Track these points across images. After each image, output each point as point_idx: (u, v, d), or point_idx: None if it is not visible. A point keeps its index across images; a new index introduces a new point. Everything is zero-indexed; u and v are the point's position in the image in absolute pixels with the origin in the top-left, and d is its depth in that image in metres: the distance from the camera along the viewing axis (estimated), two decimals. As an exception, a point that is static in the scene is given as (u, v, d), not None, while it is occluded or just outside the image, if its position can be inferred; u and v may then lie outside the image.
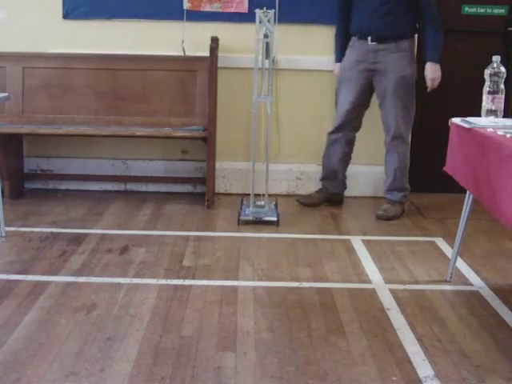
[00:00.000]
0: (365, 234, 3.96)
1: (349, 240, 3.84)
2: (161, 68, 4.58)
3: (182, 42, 4.55)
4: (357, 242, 3.80)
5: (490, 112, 2.98)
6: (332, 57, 4.53)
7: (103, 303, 2.89)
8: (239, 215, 4.08)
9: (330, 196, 4.53)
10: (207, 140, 4.39)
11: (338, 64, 4.36)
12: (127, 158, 4.80)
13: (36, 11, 4.62)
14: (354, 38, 4.25)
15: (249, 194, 4.22)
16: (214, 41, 4.44)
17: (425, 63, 4.16)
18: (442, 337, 2.67)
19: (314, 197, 4.52)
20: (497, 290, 3.15)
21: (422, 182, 4.68)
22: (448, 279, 3.26)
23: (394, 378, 2.35)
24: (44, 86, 4.57)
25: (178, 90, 4.58)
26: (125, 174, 4.81)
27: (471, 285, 3.24)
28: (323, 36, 4.61)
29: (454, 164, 3.08)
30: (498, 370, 2.42)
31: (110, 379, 2.29)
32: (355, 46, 4.24)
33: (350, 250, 3.69)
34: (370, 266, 3.44)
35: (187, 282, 3.15)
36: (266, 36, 3.98)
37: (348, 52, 4.29)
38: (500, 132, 2.66)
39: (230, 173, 4.79)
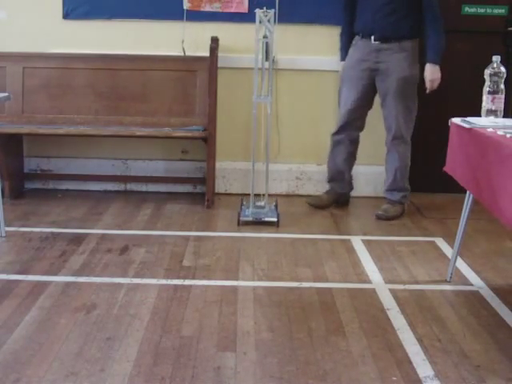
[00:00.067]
0: (365, 234, 3.96)
1: (349, 240, 3.84)
2: (161, 68, 4.58)
3: (182, 42, 4.55)
4: (357, 242, 3.80)
5: (490, 112, 2.98)
6: (332, 57, 4.54)
7: (103, 303, 2.89)
8: (239, 216, 4.07)
9: (338, 197, 4.52)
10: (207, 140, 4.39)
11: (342, 63, 4.36)
12: (127, 158, 4.80)
13: (36, 11, 4.62)
14: (357, 37, 4.25)
15: (249, 194, 4.21)
16: (214, 41, 4.44)
17: (425, 64, 4.16)
18: (442, 337, 2.67)
19: (324, 198, 4.49)
20: (497, 290, 3.15)
21: (422, 182, 4.68)
22: (448, 279, 3.26)
23: (394, 378, 2.35)
24: (44, 86, 4.57)
25: (178, 90, 4.58)
26: (125, 173, 4.81)
27: (471, 285, 3.24)
28: (323, 36, 4.62)
29: (454, 164, 3.08)
30: (498, 369, 2.42)
31: (110, 379, 2.29)
32: (358, 45, 4.24)
33: (350, 250, 3.69)
34: (370, 265, 3.44)
35: (187, 282, 3.15)
36: (265, 36, 3.98)
37: (351, 51, 4.28)
38: (500, 132, 2.66)
39: (229, 173, 4.79)
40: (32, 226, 3.93)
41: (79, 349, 2.48)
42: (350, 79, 4.26)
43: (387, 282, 3.24)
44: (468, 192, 3.06)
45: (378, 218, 4.25)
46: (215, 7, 4.59)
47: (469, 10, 4.71)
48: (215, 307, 2.88)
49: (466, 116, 3.02)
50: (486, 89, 2.98)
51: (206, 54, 4.41)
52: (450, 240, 3.72)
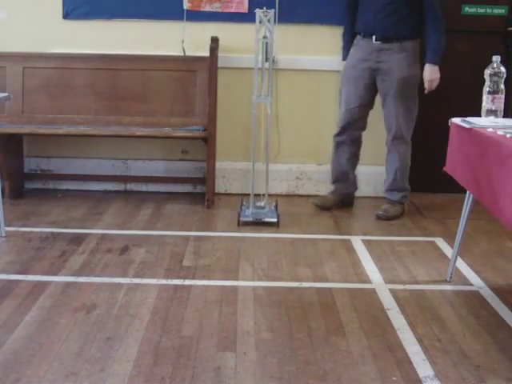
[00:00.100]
0: (365, 234, 3.96)
1: (349, 240, 3.84)
2: (161, 68, 4.58)
3: (182, 42, 4.55)
4: (357, 242, 3.80)
5: (490, 112, 2.98)
6: (332, 57, 4.54)
7: (103, 303, 2.89)
8: (239, 216, 4.07)
9: (343, 197, 4.51)
10: (207, 140, 4.39)
11: (344, 62, 4.35)
12: (127, 158, 4.80)
13: (36, 11, 4.62)
14: (358, 37, 4.24)
15: (249, 194, 4.21)
16: (214, 41, 4.44)
17: (424, 64, 4.16)
18: (442, 337, 2.67)
19: (330, 198, 4.47)
20: (497, 290, 3.15)
21: (422, 182, 4.67)
22: (448, 279, 3.26)
23: (394, 378, 2.35)
24: (44, 86, 4.57)
25: (178, 90, 4.58)
26: (125, 173, 4.81)
27: (471, 285, 3.24)
28: (323, 36, 4.62)
29: (454, 164, 3.08)
30: (498, 369, 2.42)
31: (110, 379, 2.29)
32: (359, 45, 4.23)
33: (350, 250, 3.69)
34: (370, 265, 3.44)
35: (187, 282, 3.15)
36: (265, 37, 3.98)
37: (352, 50, 4.28)
38: (500, 132, 2.66)
39: (229, 173, 4.79)
40: (32, 225, 3.93)
41: (79, 349, 2.48)
42: (350, 79, 4.26)
43: (387, 281, 3.24)
44: (468, 192, 3.06)
45: (378, 218, 4.25)
46: (215, 7, 4.59)
47: (469, 10, 4.71)
48: (215, 307, 2.88)
49: (466, 116, 3.02)
50: (486, 89, 2.98)
51: (206, 54, 4.41)
52: (450, 240, 3.72)
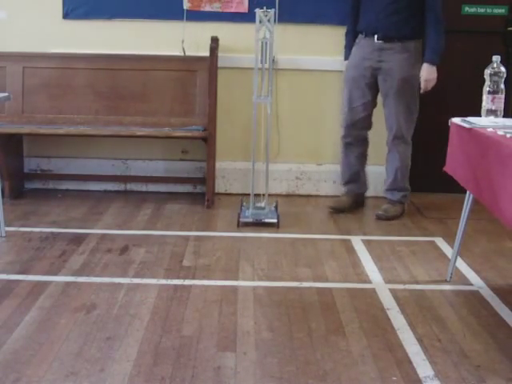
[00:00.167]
0: (365, 234, 3.96)
1: (349, 240, 3.84)
2: (161, 68, 4.58)
3: (182, 42, 4.54)
4: (357, 242, 3.80)
5: (490, 112, 2.98)
6: (332, 57, 4.55)
7: (103, 303, 2.89)
8: (239, 217, 4.06)
9: (357, 197, 4.48)
10: (207, 140, 4.39)
11: (346, 62, 4.35)
12: (127, 158, 4.80)
13: (36, 11, 4.62)
14: (360, 36, 4.24)
15: (249, 194, 4.21)
16: (214, 41, 4.44)
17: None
18: (442, 337, 2.67)
19: (345, 201, 4.43)
20: (497, 290, 3.15)
21: (422, 182, 4.67)
22: (448, 279, 3.26)
23: (394, 378, 2.35)
24: (44, 86, 4.57)
25: (178, 90, 4.58)
26: (125, 173, 4.81)
27: (471, 285, 3.24)
28: (323, 36, 4.61)
29: (454, 164, 3.08)
30: (498, 369, 2.42)
31: (110, 379, 2.29)
32: (361, 44, 4.23)
33: (350, 250, 3.69)
34: (370, 266, 3.44)
35: (187, 282, 3.15)
36: (264, 38, 3.98)
37: (354, 50, 4.27)
38: (500, 132, 2.66)
39: (229, 173, 4.79)
40: (32, 225, 3.93)
41: (79, 349, 2.48)
42: (353, 78, 4.26)
43: (387, 281, 3.24)
44: (468, 192, 3.06)
45: (378, 217, 4.25)
46: (215, 7, 4.59)
47: (469, 9, 4.71)
48: (215, 307, 2.88)
49: (466, 116, 3.02)
50: (486, 89, 2.98)
51: (206, 54, 4.41)
52: (450, 240, 3.72)
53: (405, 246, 3.75)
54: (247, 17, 4.47)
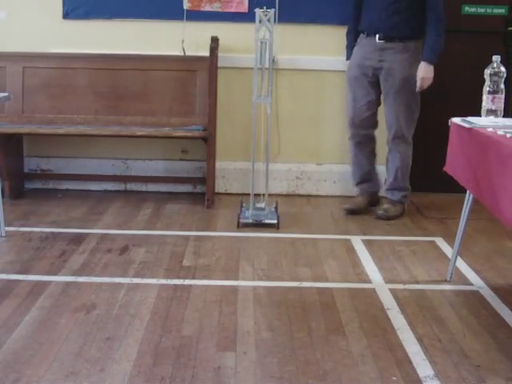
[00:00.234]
0: (365, 234, 3.96)
1: (349, 240, 3.84)
2: (161, 68, 4.58)
3: (182, 41, 4.54)
4: (357, 242, 3.80)
5: (490, 112, 2.98)
6: (332, 57, 4.55)
7: (103, 303, 2.89)
8: (239, 218, 4.05)
9: (371, 197, 4.46)
10: (207, 140, 4.39)
11: (348, 62, 4.34)
12: (127, 158, 4.80)
13: (36, 11, 4.62)
14: (361, 35, 4.23)
15: (249, 194, 4.20)
16: (214, 41, 4.44)
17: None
18: (442, 337, 2.67)
19: (360, 201, 4.40)
20: (497, 290, 3.15)
21: (422, 182, 4.67)
22: (448, 279, 3.26)
23: (394, 378, 2.35)
24: (44, 86, 4.57)
25: (178, 90, 4.58)
26: (125, 173, 4.81)
27: (471, 285, 3.24)
28: (323, 35, 4.61)
29: (454, 164, 3.08)
30: (498, 369, 2.42)
31: (110, 379, 2.29)
32: (363, 43, 4.23)
33: (350, 250, 3.69)
34: (370, 265, 3.44)
35: (187, 282, 3.15)
36: (264, 37, 3.98)
37: (355, 49, 4.27)
38: (500, 132, 2.66)
39: (229, 173, 4.79)
40: (32, 225, 3.93)
41: (79, 349, 2.48)
42: (355, 78, 4.25)
43: (387, 281, 3.24)
44: (468, 192, 3.06)
45: (379, 217, 4.25)
46: (215, 7, 4.59)
47: (469, 9, 4.71)
48: (215, 307, 2.88)
49: (466, 116, 3.02)
50: (486, 89, 2.98)
51: (206, 53, 4.41)
52: (450, 240, 3.72)
53: (405, 246, 3.75)
54: (247, 17, 4.47)
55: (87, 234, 3.81)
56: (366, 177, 4.43)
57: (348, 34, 4.36)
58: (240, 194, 4.63)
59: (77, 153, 4.78)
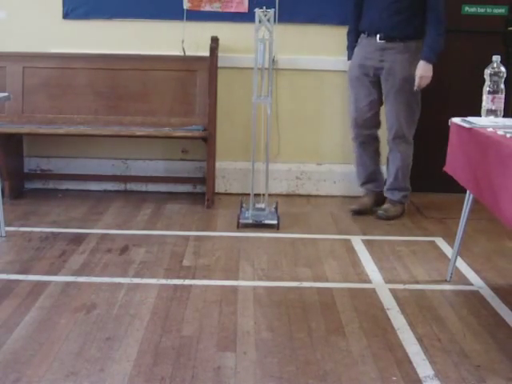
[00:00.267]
0: (365, 234, 3.96)
1: (349, 240, 3.84)
2: (161, 68, 4.57)
3: (182, 41, 4.54)
4: (357, 242, 3.80)
5: (490, 112, 2.98)
6: (332, 57, 4.54)
7: (103, 303, 2.89)
8: (239, 218, 4.04)
9: (377, 196, 4.44)
10: (207, 140, 4.39)
11: (349, 62, 4.34)
12: (127, 158, 4.80)
13: (36, 11, 4.62)
14: (362, 35, 4.23)
15: (249, 194, 4.20)
16: (214, 41, 4.44)
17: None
18: (442, 337, 2.67)
19: (366, 201, 4.38)
20: (497, 290, 3.15)
21: (422, 182, 4.67)
22: (448, 279, 3.26)
23: (394, 378, 2.35)
24: (44, 86, 4.57)
25: (178, 90, 4.58)
26: (125, 173, 4.81)
27: (471, 285, 3.24)
28: (323, 35, 4.61)
29: (454, 164, 3.08)
30: (498, 369, 2.42)
31: (110, 379, 2.29)
32: (363, 43, 4.22)
33: (350, 249, 3.69)
34: (370, 265, 3.44)
35: (187, 282, 3.15)
36: (264, 37, 3.98)
37: (356, 50, 4.27)
38: (500, 132, 2.66)
39: (229, 173, 4.79)
40: (32, 225, 3.93)
41: (79, 349, 2.48)
42: (356, 78, 4.25)
43: (387, 281, 3.24)
44: (468, 192, 3.06)
45: (379, 217, 4.25)
46: (215, 7, 4.59)
47: (469, 9, 4.71)
48: (215, 307, 2.88)
49: (466, 116, 3.02)
50: (486, 89, 2.98)
51: (206, 53, 4.41)
52: (450, 240, 3.72)
53: (405, 246, 3.75)
54: (247, 17, 4.47)
55: (87, 234, 3.81)
56: (371, 177, 4.42)
57: (349, 34, 4.36)
58: (240, 194, 4.63)
59: (77, 153, 4.78)
